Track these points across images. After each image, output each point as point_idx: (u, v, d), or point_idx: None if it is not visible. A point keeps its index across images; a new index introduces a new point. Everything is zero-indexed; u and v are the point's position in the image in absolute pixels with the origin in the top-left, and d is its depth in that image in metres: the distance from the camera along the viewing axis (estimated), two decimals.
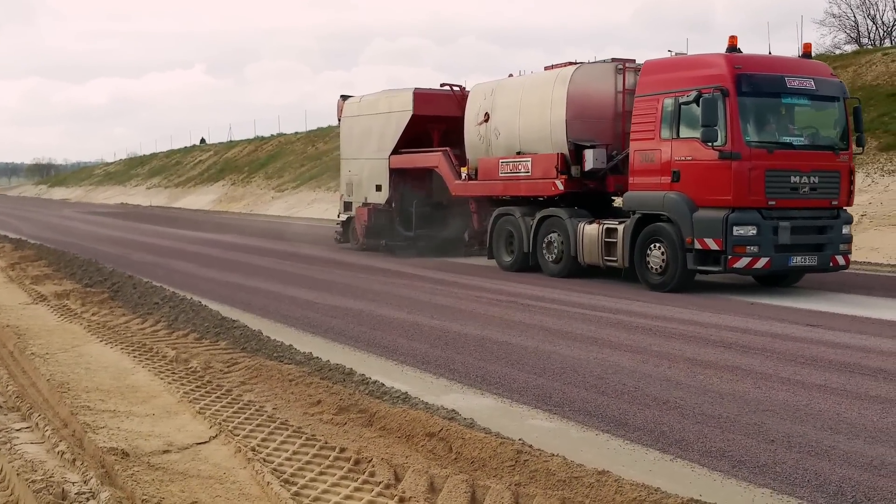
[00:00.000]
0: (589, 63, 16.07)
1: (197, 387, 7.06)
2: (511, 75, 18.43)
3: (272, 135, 66.34)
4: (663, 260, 13.43)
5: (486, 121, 17.48)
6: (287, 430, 5.85)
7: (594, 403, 6.88)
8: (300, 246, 23.12)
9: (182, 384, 7.14)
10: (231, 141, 72.19)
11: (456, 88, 20.12)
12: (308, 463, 5.24)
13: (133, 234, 28.54)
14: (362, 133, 21.47)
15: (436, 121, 20.01)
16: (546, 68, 17.21)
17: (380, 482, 4.90)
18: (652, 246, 13.64)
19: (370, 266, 17.62)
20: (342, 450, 5.41)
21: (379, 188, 20.66)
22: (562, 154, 15.60)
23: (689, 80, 13.27)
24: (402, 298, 12.84)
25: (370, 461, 5.18)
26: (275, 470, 5.06)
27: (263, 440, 5.64)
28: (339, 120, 22.82)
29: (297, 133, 62.66)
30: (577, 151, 15.45)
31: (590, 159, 15.33)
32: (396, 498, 4.69)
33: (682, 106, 13.22)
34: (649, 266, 13.66)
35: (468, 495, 4.69)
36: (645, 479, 4.89)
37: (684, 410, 6.61)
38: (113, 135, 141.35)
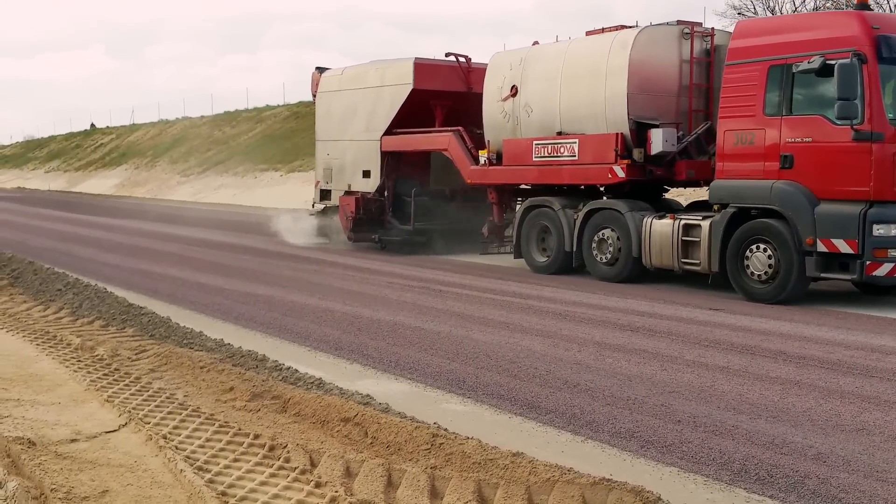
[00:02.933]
0: (653, 25, 13.54)
1: (104, 375, 6.88)
2: (536, 42, 15.58)
3: (177, 118, 64.79)
4: (770, 265, 11.08)
5: (514, 95, 14.86)
6: (199, 417, 5.76)
7: (507, 387, 6.98)
8: (217, 233, 22.66)
9: (89, 372, 6.95)
10: (134, 124, 70.15)
11: (462, 59, 17.45)
12: (222, 450, 5.17)
13: (32, 219, 27.51)
14: (345, 111, 18.62)
15: (439, 96, 17.18)
16: (588, 34, 14.67)
17: (295, 468, 4.88)
18: (754, 247, 11.26)
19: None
20: (256, 436, 5.36)
21: (367, 174, 17.90)
22: (621, 134, 13.08)
23: (807, 44, 10.84)
24: (314, 285, 12.75)
25: (285, 447, 5.15)
26: (188, 457, 4.98)
27: (175, 428, 5.54)
28: (314, 95, 19.87)
29: (202, 117, 61.33)
30: (639, 131, 13.02)
31: (657, 140, 12.85)
32: (312, 483, 4.67)
33: (798, 75, 10.87)
34: (749, 272, 11.33)
35: (384, 479, 4.71)
36: (558, 459, 5.00)
37: (594, 393, 6.77)
38: (4, 117, 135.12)
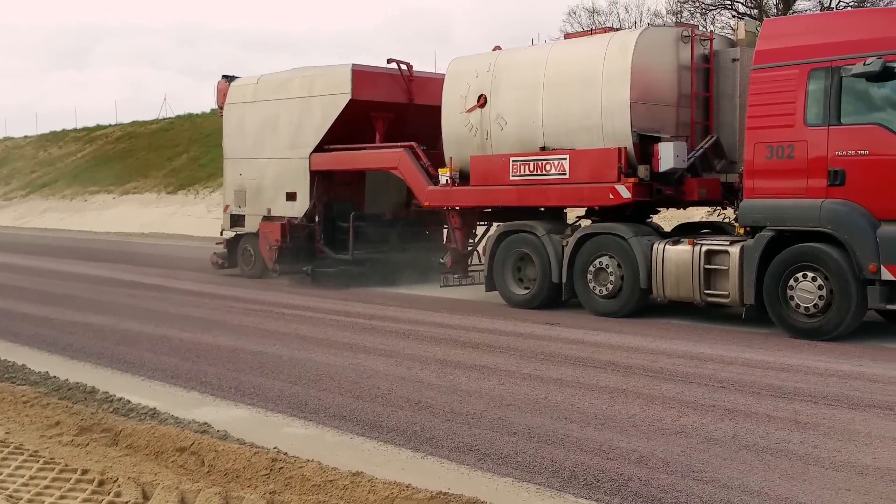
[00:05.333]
0: (652, 27, 12.27)
1: None
2: (498, 48, 14.03)
3: None
4: (820, 296, 9.75)
5: (482, 106, 13.27)
6: (22, 454, 5.52)
7: (349, 408, 7.04)
8: (44, 260, 21.53)
9: None
10: None
11: (404, 67, 15.83)
12: (47, 487, 4.98)
13: None
14: (262, 124, 16.71)
15: (380, 108, 15.52)
16: (568, 36, 13.50)
17: (126, 502, 4.76)
18: (799, 276, 9.90)
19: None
20: (84, 471, 5.18)
21: (292, 197, 16.03)
22: (624, 149, 11.66)
23: (858, 45, 9.56)
24: (150, 312, 12.36)
25: (115, 481, 5.01)
26: (10, 497, 4.77)
27: None
28: (220, 107, 17.79)
29: (26, 137, 58.21)
30: (642, 146, 11.70)
31: (667, 156, 11.44)
32: None
33: (848, 79, 9.55)
34: (794, 304, 9.95)
35: None
36: (397, 476, 5.10)
37: (435, 410, 6.92)
38: None
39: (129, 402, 7.05)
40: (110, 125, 52.60)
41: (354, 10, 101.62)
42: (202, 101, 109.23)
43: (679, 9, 30.07)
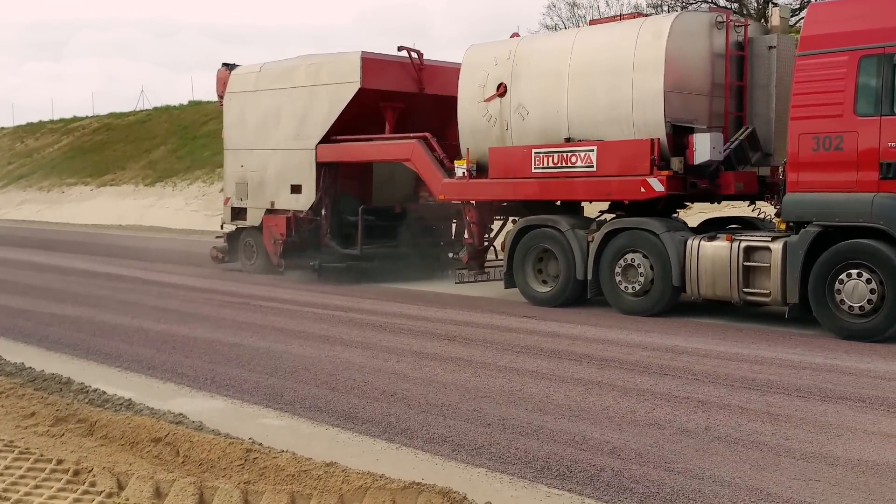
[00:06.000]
0: (686, 11, 11.70)
1: None
2: (516, 34, 13.69)
3: None
4: (872, 295, 9.36)
5: (502, 95, 12.79)
6: None
7: (325, 399, 7.06)
8: (21, 252, 21.36)
9: None
10: None
11: (414, 55, 15.28)
12: (22, 477, 4.97)
13: None
14: (266, 114, 16.15)
15: (390, 97, 15.02)
16: (593, 22, 12.98)
17: (101, 491, 4.76)
18: (848, 274, 9.51)
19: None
20: (59, 461, 5.18)
21: (297, 189, 15.53)
22: (657, 140, 11.21)
23: None
24: (128, 304, 12.32)
25: (90, 471, 5.01)
26: None
27: None
28: (220, 97, 17.21)
29: (2, 129, 57.64)
30: (675, 137, 11.26)
31: (703, 147, 10.99)
32: None
33: None
34: (843, 304, 9.56)
35: (196, 497, 4.68)
36: (371, 467, 5.13)
37: (410, 401, 6.95)
38: None
39: (104, 392, 7.04)
40: (87, 117, 52.17)
41: (331, 5, 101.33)
42: (179, 94, 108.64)
43: (659, 2, 30.16)
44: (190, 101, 47.08)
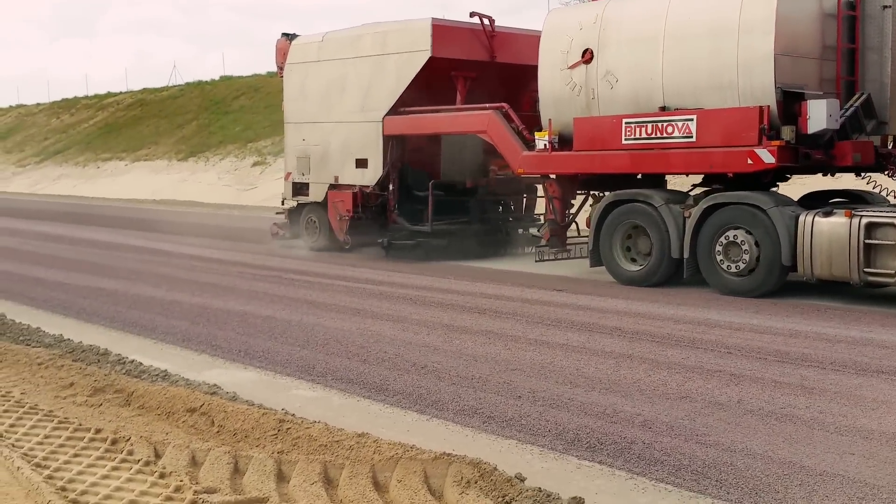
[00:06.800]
0: None
1: None
2: None
3: (10, 106, 61.31)
4: None
5: (588, 62, 12.17)
6: (37, 414, 5.61)
7: (356, 371, 7.11)
8: (58, 226, 21.67)
9: None
10: None
11: (486, 21, 14.58)
12: (61, 446, 5.07)
13: None
14: (329, 86, 15.64)
15: (461, 66, 14.41)
16: None
17: (139, 460, 4.84)
18: None
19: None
20: (98, 430, 5.27)
21: (363, 164, 15.05)
22: (766, 108, 10.49)
23: None
24: (161, 277, 12.46)
25: (128, 440, 5.10)
26: (25, 455, 4.86)
27: (11, 426, 5.38)
28: (280, 68, 16.71)
29: (38, 104, 58.28)
30: (785, 104, 10.57)
31: (819, 115, 10.25)
32: (157, 474, 4.66)
33: None
34: None
35: (231, 466, 4.75)
36: (402, 438, 5.18)
37: (441, 374, 6.99)
38: None
39: (140, 364, 7.14)
40: (121, 92, 52.63)
41: None
42: (209, 69, 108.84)
43: None
44: (221, 77, 47.34)
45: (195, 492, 4.36)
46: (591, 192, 13.16)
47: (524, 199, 15.81)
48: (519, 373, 6.98)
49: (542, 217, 14.66)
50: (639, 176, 12.38)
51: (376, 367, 7.26)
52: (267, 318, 9.31)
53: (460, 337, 8.34)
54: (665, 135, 11.35)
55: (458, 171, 15.21)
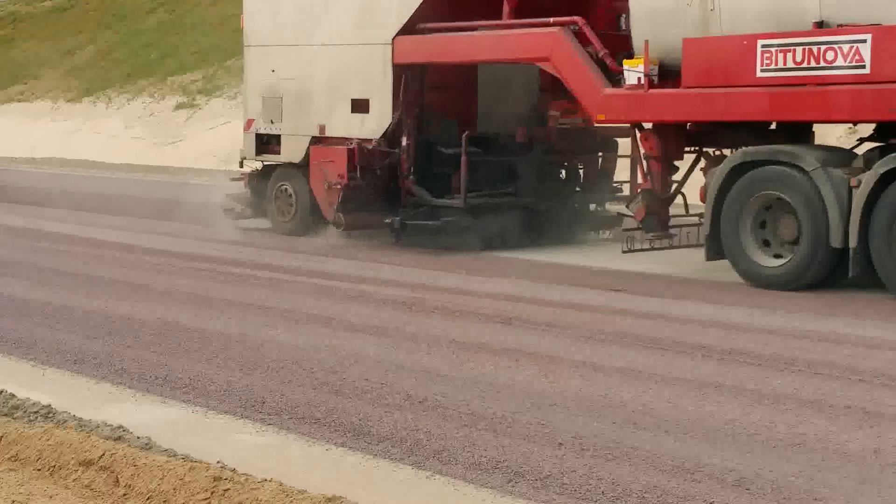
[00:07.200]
0: None
1: None
2: None
3: None
4: None
5: None
6: None
7: (325, 407, 7.11)
8: None
9: None
10: None
11: None
12: None
13: None
14: None
15: None
16: None
17: None
18: None
19: None
20: None
21: (362, 107, 14.68)
22: None
23: None
24: (48, 271, 12.51)
25: None
26: None
27: None
28: None
29: None
30: None
31: None
32: None
33: None
34: None
35: None
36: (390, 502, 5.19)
37: (447, 411, 6.99)
38: None
39: (13, 396, 7.14)
40: None
41: None
42: None
43: None
44: None
45: None
46: (707, 151, 12.90)
47: (599, 160, 15.52)
48: (559, 409, 6.98)
49: (626, 187, 14.26)
50: (772, 125, 12.22)
51: (353, 400, 7.27)
52: (197, 331, 9.33)
53: (475, 357, 8.35)
54: (823, 63, 11.01)
55: (501, 120, 14.88)
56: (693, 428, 6.59)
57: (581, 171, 15.61)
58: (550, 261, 13.41)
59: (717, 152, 12.61)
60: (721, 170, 11.79)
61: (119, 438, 6.22)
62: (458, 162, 13.92)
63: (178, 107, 34.15)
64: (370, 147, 14.41)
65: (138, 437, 6.31)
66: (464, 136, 13.88)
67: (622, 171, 14.86)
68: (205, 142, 28.73)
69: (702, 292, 11.11)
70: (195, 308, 10.31)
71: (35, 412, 6.78)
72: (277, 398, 7.36)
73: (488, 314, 9.98)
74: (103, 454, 5.73)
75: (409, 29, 14.23)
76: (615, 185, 15.36)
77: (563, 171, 15.45)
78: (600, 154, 15.32)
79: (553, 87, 13.71)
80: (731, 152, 12.08)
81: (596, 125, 13.57)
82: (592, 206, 15.01)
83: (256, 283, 11.67)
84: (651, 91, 12.25)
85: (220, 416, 7.08)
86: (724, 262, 11.87)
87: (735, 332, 9.18)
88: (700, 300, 10.66)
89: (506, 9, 13.88)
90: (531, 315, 9.93)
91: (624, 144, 14.34)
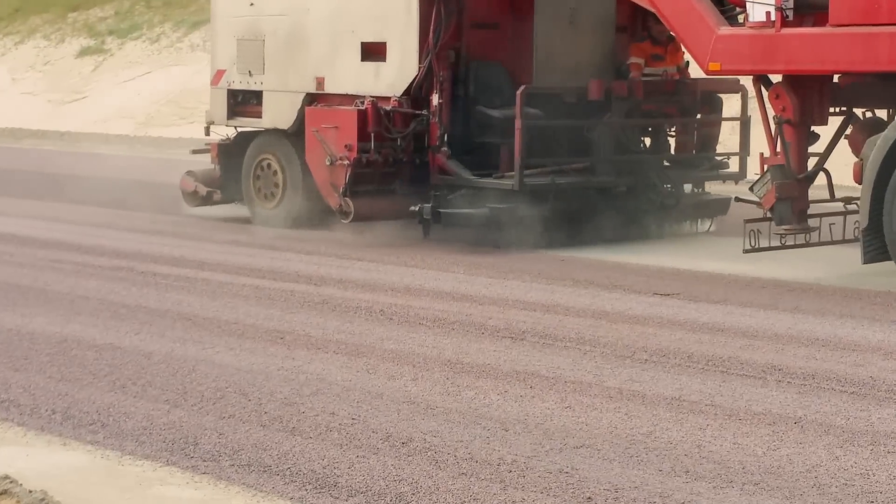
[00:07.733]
0: None
1: None
2: None
3: None
4: None
5: None
6: None
7: (277, 451, 7.11)
8: None
9: None
10: None
11: None
12: None
13: None
14: None
15: None
16: None
17: None
18: None
19: None
20: None
21: (377, 53, 14.84)
22: None
23: None
24: None
25: None
26: None
27: None
28: None
29: None
30: None
31: None
32: None
33: None
34: None
35: None
36: None
37: (439, 454, 6.97)
38: None
39: None
40: None
41: None
42: None
43: None
44: None
45: None
46: (860, 114, 12.83)
47: (696, 126, 15.47)
48: (589, 452, 6.99)
49: (733, 161, 14.39)
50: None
51: (315, 442, 7.27)
52: (107, 349, 9.36)
53: (476, 384, 8.36)
54: None
55: (566, 70, 14.58)
56: (765, 476, 6.59)
57: (672, 140, 15.47)
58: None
59: (876, 115, 12.51)
60: (886, 139, 11.60)
61: (5, 493, 6.21)
62: (510, 128, 13.82)
63: (83, 52, 34.15)
64: (388, 108, 14.30)
65: (30, 492, 6.30)
66: (518, 92, 13.76)
67: (728, 137, 14.85)
68: (117, 99, 28.74)
69: (775, 297, 11.11)
70: (105, 319, 10.31)
71: None
72: (215, 439, 7.36)
73: (492, 327, 9.99)
74: None
75: None
76: (719, 158, 15.28)
77: (651, 139, 15.36)
78: (699, 116, 15.18)
79: (634, 26, 13.83)
80: None
81: (701, 77, 13.43)
82: (688, 187, 14.82)
83: (187, 287, 11.65)
84: (785, 31, 12.14)
85: (138, 462, 7.06)
86: (889, 265, 11.74)
87: (812, 347, 9.23)
88: (768, 307, 10.67)
89: None
90: (546, 327, 9.95)
91: (731, 103, 14.31)
